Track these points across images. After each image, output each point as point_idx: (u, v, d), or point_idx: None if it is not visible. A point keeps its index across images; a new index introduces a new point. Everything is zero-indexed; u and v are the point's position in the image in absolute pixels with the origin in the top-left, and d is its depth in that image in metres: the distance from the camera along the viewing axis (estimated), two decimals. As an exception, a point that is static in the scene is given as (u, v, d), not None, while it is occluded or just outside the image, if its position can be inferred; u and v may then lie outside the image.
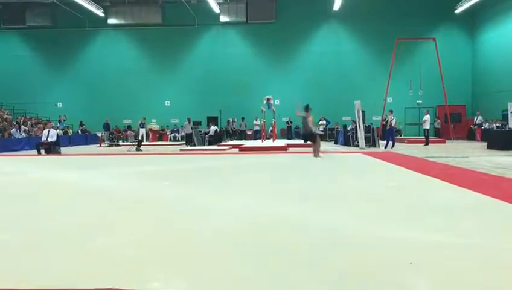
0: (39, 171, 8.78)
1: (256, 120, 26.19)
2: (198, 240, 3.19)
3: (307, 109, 12.24)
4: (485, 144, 17.05)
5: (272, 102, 19.25)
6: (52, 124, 17.75)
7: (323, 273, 2.40)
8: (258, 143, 18.91)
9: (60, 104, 29.85)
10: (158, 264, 2.62)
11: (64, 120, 25.60)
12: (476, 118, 24.88)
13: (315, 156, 11.81)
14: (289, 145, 17.62)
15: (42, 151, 15.07)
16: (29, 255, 2.87)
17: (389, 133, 17.62)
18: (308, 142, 12.57)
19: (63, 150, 16.58)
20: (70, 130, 25.62)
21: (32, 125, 22.78)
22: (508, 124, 18.28)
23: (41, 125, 21.85)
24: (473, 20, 27.68)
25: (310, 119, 12.00)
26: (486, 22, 26.36)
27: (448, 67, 25.47)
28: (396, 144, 17.89)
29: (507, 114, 18.86)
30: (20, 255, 2.86)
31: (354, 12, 27.81)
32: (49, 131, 15.41)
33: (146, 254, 2.82)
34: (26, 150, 18.23)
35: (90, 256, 2.81)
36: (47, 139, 15.16)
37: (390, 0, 27.93)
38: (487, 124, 23.43)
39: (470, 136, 24.10)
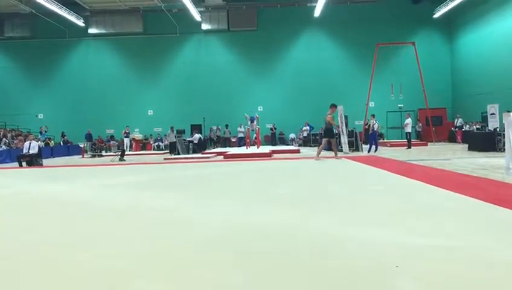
0: (20, 184, 8.64)
1: (240, 127, 26.21)
2: (185, 250, 3.17)
3: (332, 106, 12.84)
4: (466, 145, 17.31)
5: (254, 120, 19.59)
6: (33, 136, 17.51)
7: (311, 279, 2.40)
8: (242, 150, 18.90)
9: (41, 116, 29.49)
10: (143, 275, 2.60)
11: (45, 131, 25.28)
12: (456, 120, 25.27)
13: (336, 157, 12.53)
14: (274, 152, 17.66)
15: (24, 163, 14.85)
16: (8, 269, 2.82)
17: (372, 137, 17.78)
18: (323, 139, 13.12)
19: (45, 161, 16.37)
20: (52, 142, 25.29)
21: (13, 138, 22.42)
22: (487, 125, 18.60)
23: (22, 137, 21.54)
24: (451, 24, 28.20)
25: (330, 116, 12.61)
26: (463, 25, 26.86)
27: (428, 70, 25.93)
28: (379, 147, 18.05)
29: (487, 116, 19.20)
30: None
31: (334, 18, 28.11)
32: (30, 143, 15.21)
33: (130, 265, 2.79)
34: (7, 162, 17.95)
35: (73, 269, 2.76)
36: (28, 151, 14.96)
37: (370, 6, 28.30)
38: (467, 126, 23.81)
39: (451, 139, 24.46)
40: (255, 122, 19.67)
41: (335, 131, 13.64)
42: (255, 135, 20.66)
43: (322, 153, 13.05)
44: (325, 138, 12.97)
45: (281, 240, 3.32)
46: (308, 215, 4.28)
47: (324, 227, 3.73)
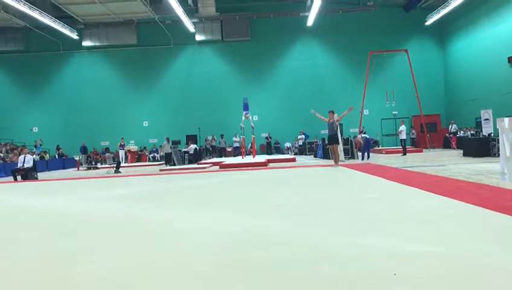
0: (16, 198, 8.59)
1: (236, 137, 26.22)
2: (181, 260, 3.16)
3: (331, 111, 13.25)
4: (461, 151, 17.37)
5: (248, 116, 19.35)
6: (28, 149, 17.44)
7: (310, 287, 2.40)
8: (238, 160, 18.90)
9: (35, 129, 29.40)
10: (142, 287, 2.59)
11: (40, 145, 25.16)
12: (450, 126, 25.39)
13: (336, 165, 12.63)
14: (269, 161, 17.66)
15: (18, 177, 14.78)
16: (6, 283, 2.80)
17: (366, 145, 17.82)
18: (328, 146, 13.36)
19: (40, 175, 16.29)
20: (47, 155, 25.18)
21: (7, 151, 22.33)
22: (481, 131, 18.70)
23: (16, 151, 21.43)
24: (443, 31, 28.44)
25: (336, 118, 13.11)
26: (455, 32, 27.10)
27: (422, 77, 26.11)
28: (374, 155, 18.11)
29: (480, 121, 19.31)
30: None
31: (327, 27, 28.29)
32: (25, 157, 15.14)
33: (129, 277, 2.78)
34: (2, 176, 17.86)
35: (71, 282, 2.75)
36: (23, 165, 14.89)
37: (363, 14, 28.52)
38: (462, 132, 23.92)
39: (446, 145, 24.56)
40: (249, 114, 19.47)
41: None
42: (250, 145, 20.61)
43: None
44: (332, 145, 13.17)
45: (280, 249, 3.31)
46: (305, 224, 4.28)
47: (323, 235, 3.73)
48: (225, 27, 29.02)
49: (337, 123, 13.25)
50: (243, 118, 19.23)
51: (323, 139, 24.13)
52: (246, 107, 19.29)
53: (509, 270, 2.55)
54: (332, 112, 13.24)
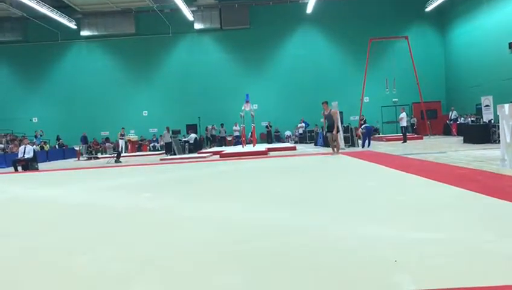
0: (17, 189, 8.60)
1: (236, 126, 26.18)
2: (184, 251, 3.17)
3: (325, 103, 13.13)
4: (461, 138, 17.35)
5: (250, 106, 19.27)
6: (28, 140, 17.43)
7: (309, 277, 2.41)
8: (238, 149, 18.88)
9: (35, 119, 29.36)
10: (144, 278, 2.59)
11: (40, 135, 25.14)
12: (451, 113, 25.32)
13: (334, 152, 12.70)
14: (270, 149, 17.65)
15: (19, 168, 14.80)
16: (7, 275, 2.80)
17: (366, 133, 17.81)
18: (327, 134, 13.33)
19: (40, 165, 16.30)
20: (47, 145, 25.15)
21: (7, 142, 22.31)
22: (482, 117, 18.66)
23: (17, 142, 21.42)
24: (443, 18, 28.24)
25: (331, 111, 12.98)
26: (455, 18, 26.92)
27: (422, 64, 25.98)
28: (375, 142, 18.10)
29: (481, 108, 19.26)
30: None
31: (327, 14, 28.09)
32: (25, 147, 15.14)
33: (131, 268, 2.78)
34: (2, 167, 17.86)
35: (73, 273, 2.76)
36: (23, 156, 14.90)
37: (362, 1, 28.29)
38: (462, 118, 23.86)
39: (446, 132, 24.52)
40: (249, 106, 19.43)
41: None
42: (250, 133, 20.53)
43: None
44: (331, 133, 13.12)
45: (281, 238, 3.32)
46: (306, 213, 4.28)
47: (324, 224, 3.73)
48: (224, 15, 28.83)
49: (335, 116, 13.06)
50: (243, 107, 19.19)
51: (323, 128, 24.12)
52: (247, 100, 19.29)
53: (509, 256, 2.55)
54: (326, 103, 13.07)
